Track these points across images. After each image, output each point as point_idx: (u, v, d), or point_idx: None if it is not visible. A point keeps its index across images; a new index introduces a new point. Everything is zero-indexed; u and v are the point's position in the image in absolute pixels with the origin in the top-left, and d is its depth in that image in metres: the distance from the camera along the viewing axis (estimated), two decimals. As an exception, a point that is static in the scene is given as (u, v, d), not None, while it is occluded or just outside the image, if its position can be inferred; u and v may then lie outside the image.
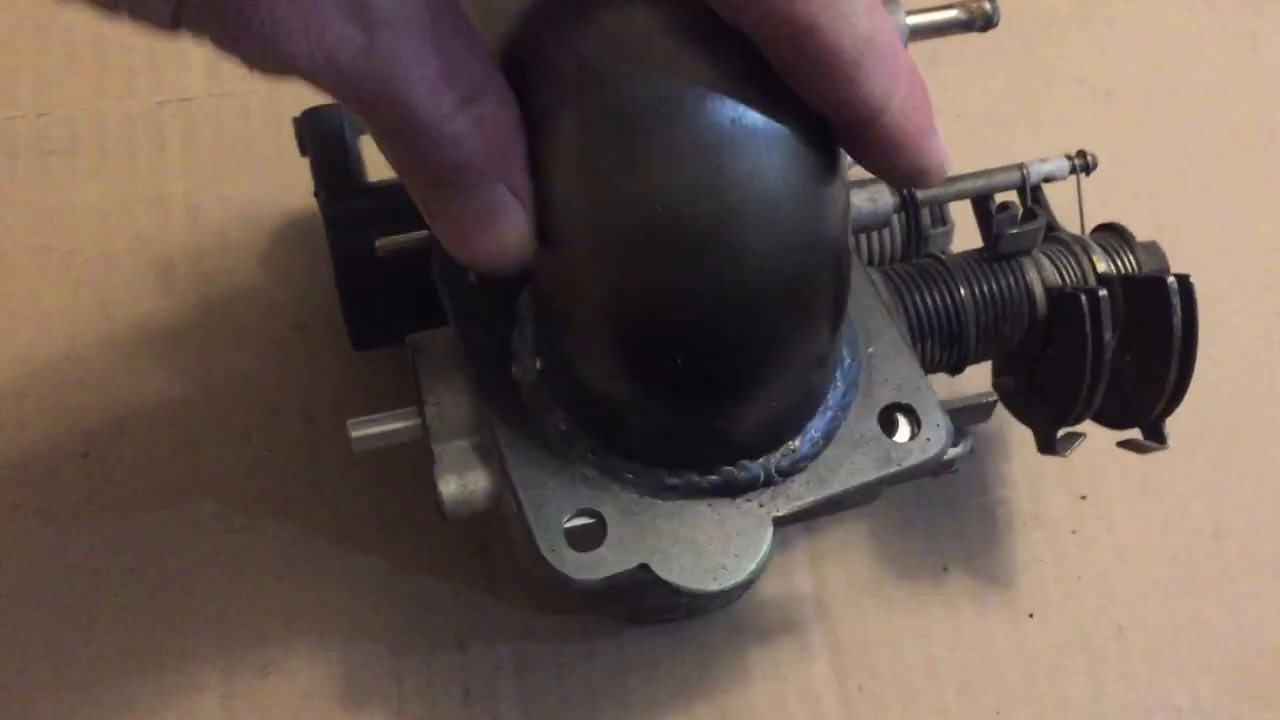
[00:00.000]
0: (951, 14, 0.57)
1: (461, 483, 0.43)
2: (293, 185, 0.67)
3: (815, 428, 0.43)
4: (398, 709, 0.57)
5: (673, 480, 0.42)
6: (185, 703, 0.56)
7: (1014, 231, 0.48)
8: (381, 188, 0.58)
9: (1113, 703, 0.58)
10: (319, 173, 0.58)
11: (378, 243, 0.50)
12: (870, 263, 0.57)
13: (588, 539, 0.41)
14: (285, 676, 0.57)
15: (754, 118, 0.35)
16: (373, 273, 0.52)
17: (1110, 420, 0.51)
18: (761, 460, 0.42)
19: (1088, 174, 0.54)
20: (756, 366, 0.39)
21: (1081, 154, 0.54)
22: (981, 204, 0.55)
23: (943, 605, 0.60)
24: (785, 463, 0.42)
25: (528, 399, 0.44)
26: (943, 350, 0.49)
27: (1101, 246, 0.51)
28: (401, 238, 0.50)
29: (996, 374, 0.54)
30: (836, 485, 0.42)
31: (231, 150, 0.69)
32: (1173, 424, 0.50)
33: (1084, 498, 0.63)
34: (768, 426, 0.41)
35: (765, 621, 0.59)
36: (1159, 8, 0.77)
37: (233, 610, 0.58)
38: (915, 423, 0.43)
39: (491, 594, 0.59)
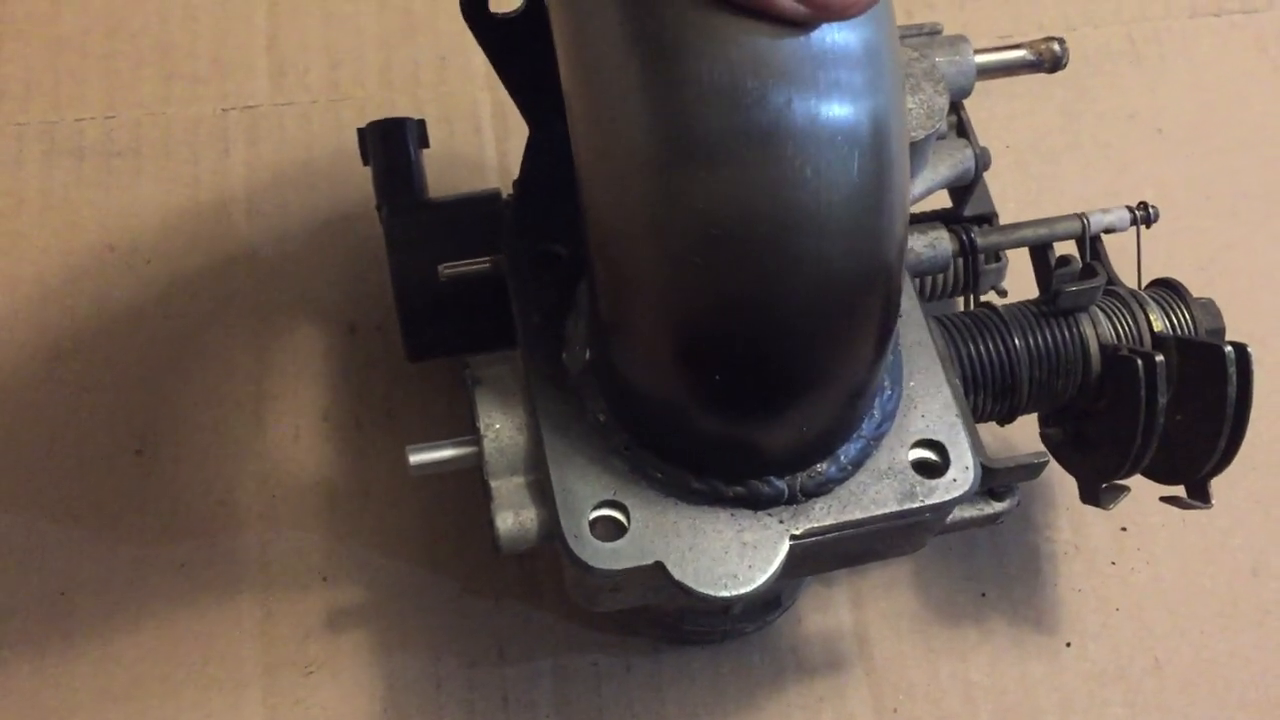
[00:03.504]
0: (1020, 54, 0.57)
1: (518, 520, 0.44)
2: (350, 194, 0.68)
3: (846, 453, 0.43)
4: (436, 714, 0.58)
5: (699, 485, 0.43)
6: (229, 696, 0.58)
7: (1073, 289, 0.49)
8: (443, 204, 0.59)
9: (1147, 736, 0.59)
10: (381, 186, 0.58)
11: (441, 268, 0.51)
12: (924, 301, 0.58)
13: (610, 531, 0.43)
14: (327, 677, 0.59)
15: (827, 122, 0.35)
16: (432, 290, 0.53)
17: (1155, 475, 0.52)
18: (788, 478, 0.43)
19: (1148, 226, 0.54)
20: (798, 384, 0.40)
21: (1143, 205, 0.54)
22: (1040, 253, 0.55)
23: (980, 631, 0.61)
24: (811, 484, 0.43)
25: (574, 386, 0.45)
26: (995, 402, 0.50)
27: (1157, 303, 0.51)
28: (465, 264, 0.51)
29: (1044, 423, 0.55)
30: (858, 512, 0.43)
31: (293, 157, 0.70)
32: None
33: (1125, 529, 0.63)
34: (800, 445, 0.42)
35: (803, 641, 0.60)
36: (1211, 47, 0.77)
37: (278, 609, 0.60)
38: (945, 461, 0.44)
39: (533, 604, 0.60)
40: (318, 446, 0.63)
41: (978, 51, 0.56)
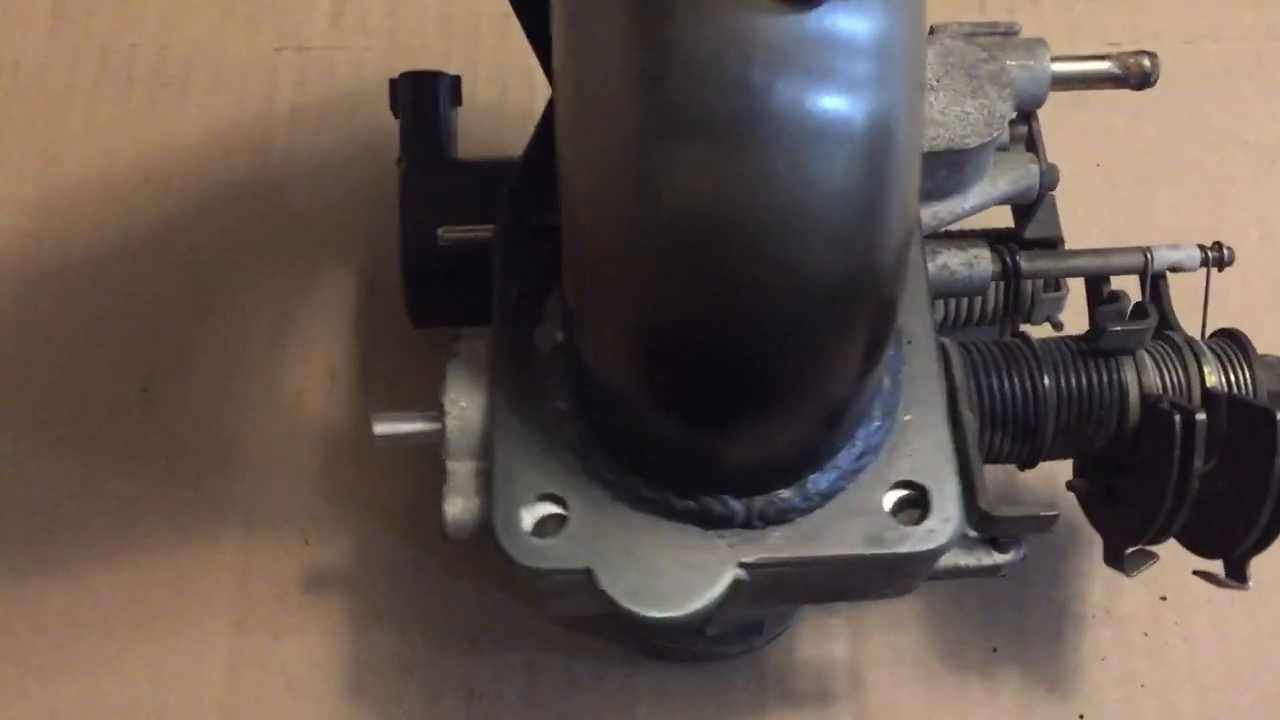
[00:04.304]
0: (1104, 66, 0.52)
1: (467, 506, 0.42)
2: (389, 149, 0.65)
3: (816, 482, 0.39)
4: (399, 696, 0.56)
5: (649, 493, 0.39)
6: (194, 648, 0.57)
7: (1118, 329, 0.44)
8: (466, 165, 0.57)
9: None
10: (404, 139, 0.56)
11: (441, 231, 0.48)
12: (960, 325, 0.53)
13: (545, 528, 0.40)
14: (295, 643, 0.57)
15: (814, 113, 0.31)
16: (436, 253, 0.50)
17: (1192, 545, 0.47)
18: (745, 500, 0.39)
19: (1220, 269, 0.49)
20: (759, 395, 0.36)
21: (1217, 246, 0.49)
22: (1095, 286, 0.50)
23: (985, 688, 0.56)
24: (771, 510, 0.39)
25: (539, 369, 0.42)
26: (1014, 443, 0.45)
27: (1216, 355, 0.46)
28: (467, 230, 0.48)
29: (1075, 473, 0.50)
30: (817, 549, 0.39)
31: (338, 104, 0.68)
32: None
33: (1164, 599, 0.58)
34: (762, 465, 0.39)
35: (793, 671, 0.56)
36: (1350, 75, 0.70)
37: (256, 566, 0.58)
38: (924, 509, 0.40)
39: (514, 597, 0.57)
40: (320, 406, 0.62)
41: (1056, 59, 0.51)
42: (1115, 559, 0.47)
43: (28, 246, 0.65)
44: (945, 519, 0.40)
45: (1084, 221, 0.63)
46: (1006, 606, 0.57)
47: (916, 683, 0.56)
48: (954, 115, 0.48)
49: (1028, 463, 0.46)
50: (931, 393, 0.42)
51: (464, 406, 0.43)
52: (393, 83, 0.58)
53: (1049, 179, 0.52)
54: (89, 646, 0.57)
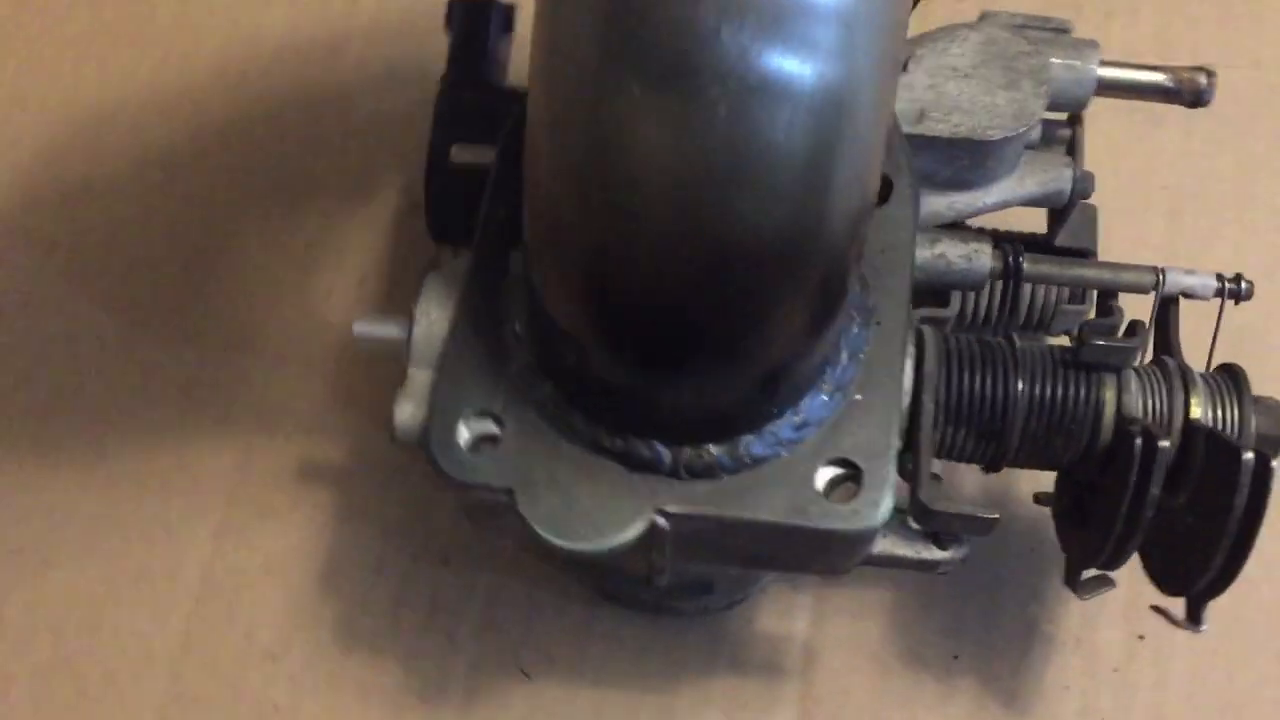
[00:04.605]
0: (1156, 77, 0.50)
1: (415, 414, 0.43)
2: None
3: (749, 444, 0.39)
4: (365, 595, 0.58)
5: (582, 427, 0.40)
6: (188, 516, 0.59)
7: (1100, 342, 0.42)
8: (506, 92, 0.57)
9: None
10: (450, 61, 0.57)
11: (453, 149, 0.49)
12: (963, 325, 0.52)
13: (476, 444, 0.41)
14: (278, 526, 0.59)
15: (760, 68, 0.31)
16: (458, 173, 0.51)
17: (1156, 580, 0.45)
18: (674, 449, 0.39)
19: (1236, 302, 0.47)
20: (687, 345, 0.37)
21: (1237, 278, 0.46)
22: (1105, 300, 0.48)
23: (939, 693, 0.55)
24: (698, 464, 0.39)
25: (505, 292, 0.43)
26: (977, 442, 0.44)
27: (1209, 388, 0.44)
28: (478, 151, 0.49)
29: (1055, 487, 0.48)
30: (736, 511, 0.39)
31: (417, 19, 0.69)
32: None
33: (1142, 638, 0.56)
34: (691, 417, 0.39)
35: (748, 640, 0.56)
36: None
37: (256, 448, 0.60)
38: (855, 489, 0.39)
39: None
40: (344, 308, 0.63)
41: (1105, 63, 0.49)
42: (1071, 580, 0.46)
43: (110, 126, 0.68)
44: (874, 502, 0.39)
45: (1138, 243, 0.61)
46: (977, 615, 0.56)
47: (871, 674, 0.56)
48: (982, 105, 0.47)
49: (992, 466, 0.45)
50: (890, 376, 0.41)
51: (433, 318, 0.44)
52: (450, 4, 0.59)
53: (1082, 186, 0.50)
54: (95, 499, 0.60)
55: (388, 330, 0.46)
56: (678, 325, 0.36)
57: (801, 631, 0.57)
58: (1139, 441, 0.40)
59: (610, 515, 0.39)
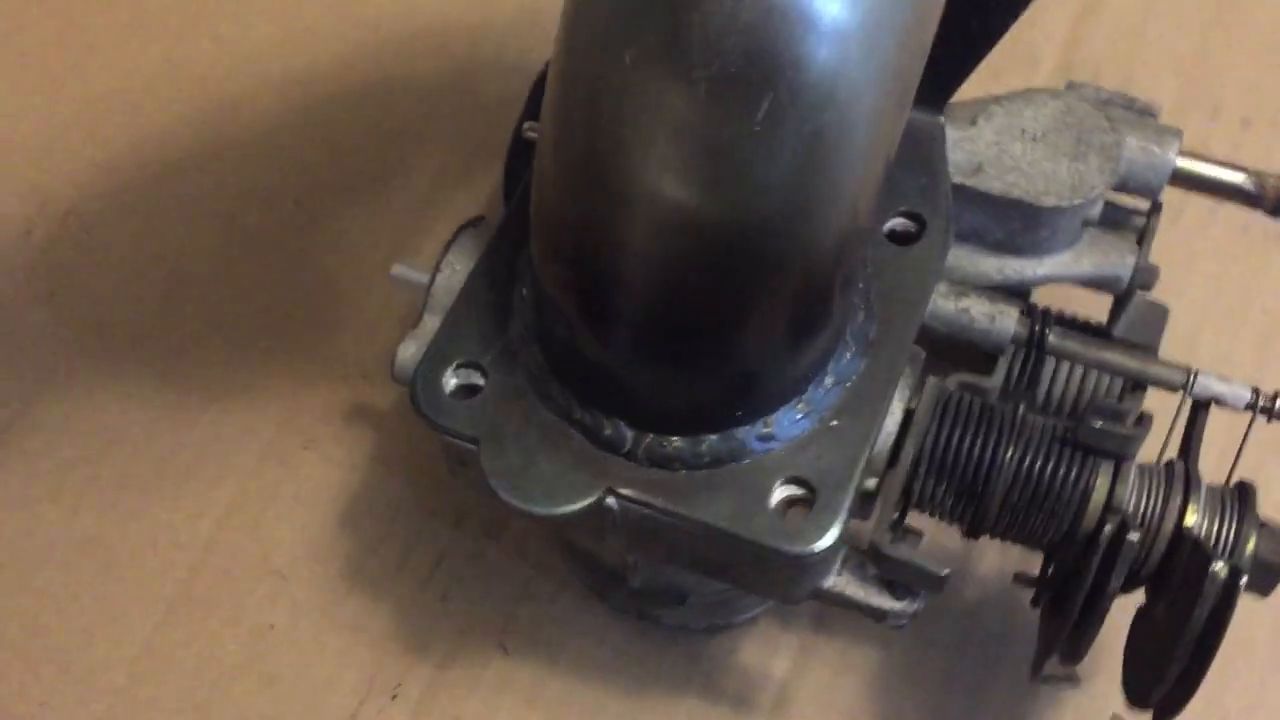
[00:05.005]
0: (1236, 177, 0.48)
1: (418, 355, 0.44)
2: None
3: (712, 444, 0.40)
4: (376, 539, 0.60)
5: (558, 396, 0.41)
6: (238, 431, 0.62)
7: (1099, 424, 0.41)
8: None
9: None
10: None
11: (525, 126, 0.51)
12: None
13: (459, 391, 0.42)
14: (316, 459, 0.62)
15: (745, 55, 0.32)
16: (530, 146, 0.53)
17: (1126, 689, 0.43)
18: (637, 433, 0.40)
19: (1269, 420, 0.44)
20: (655, 326, 0.38)
21: (1275, 396, 0.44)
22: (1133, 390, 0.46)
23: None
24: (658, 452, 0.40)
25: (523, 256, 0.44)
26: (956, 501, 0.43)
27: (1212, 499, 0.41)
28: (544, 128, 0.51)
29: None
30: (685, 506, 0.39)
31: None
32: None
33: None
34: (659, 405, 0.40)
35: (723, 670, 0.56)
36: None
37: (318, 381, 0.63)
38: (807, 512, 0.39)
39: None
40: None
41: (1185, 154, 0.47)
42: (1036, 668, 0.44)
43: (244, 65, 0.73)
44: (821, 528, 0.39)
45: (1222, 361, 0.58)
46: (962, 696, 0.54)
47: (840, 730, 0.54)
48: (1042, 170, 0.46)
49: (971, 531, 0.44)
50: (873, 410, 0.41)
51: (457, 270, 0.46)
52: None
53: (1143, 277, 0.48)
54: (161, 399, 0.64)
55: (417, 277, 0.48)
56: (647, 306, 0.37)
57: (781, 671, 0.56)
58: (1108, 529, 0.38)
59: (564, 484, 0.40)
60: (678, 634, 0.56)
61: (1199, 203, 0.60)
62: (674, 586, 0.50)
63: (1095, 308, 0.52)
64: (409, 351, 0.45)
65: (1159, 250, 0.62)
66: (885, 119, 0.35)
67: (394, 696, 0.57)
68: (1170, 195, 0.52)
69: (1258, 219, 0.62)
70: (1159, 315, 0.51)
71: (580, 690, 0.56)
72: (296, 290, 0.66)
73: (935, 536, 0.55)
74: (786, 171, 0.33)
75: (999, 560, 0.56)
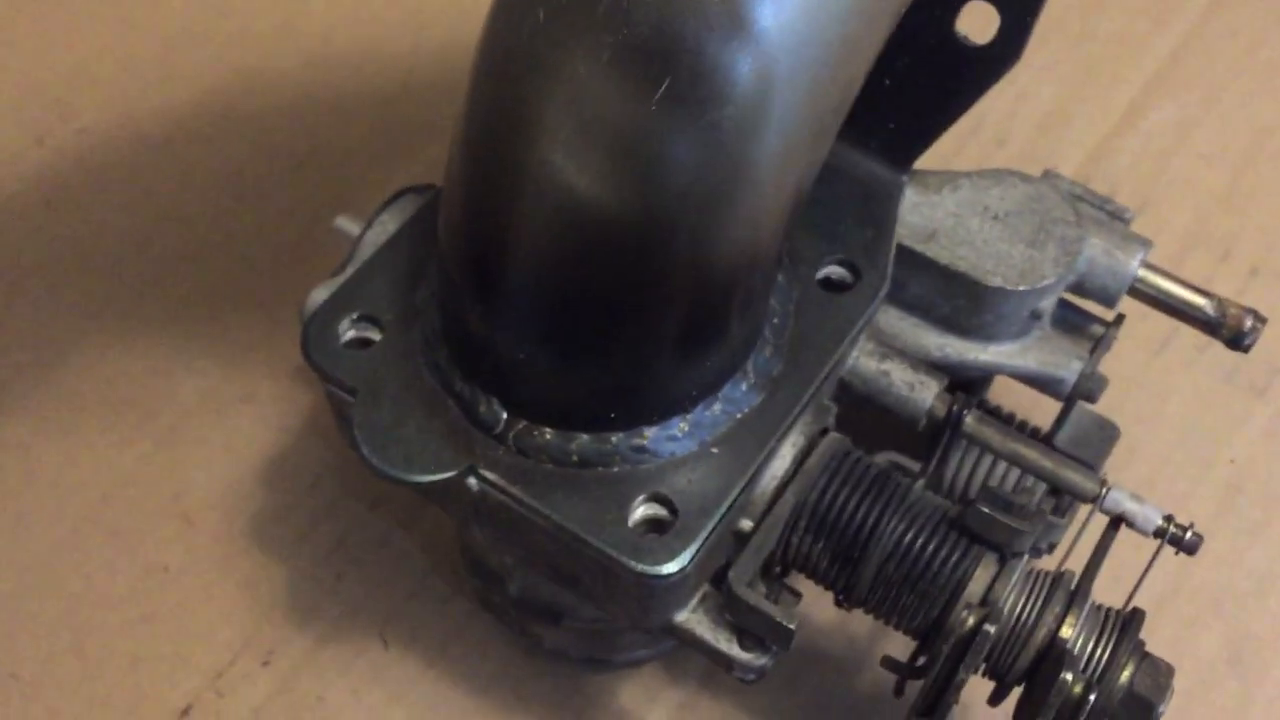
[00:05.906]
0: (1197, 300, 0.46)
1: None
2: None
3: (582, 444, 0.39)
4: (288, 504, 0.59)
5: (444, 363, 0.40)
6: (191, 372, 0.62)
7: (985, 510, 0.39)
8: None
9: None
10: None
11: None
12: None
13: (353, 342, 0.42)
14: (255, 411, 0.62)
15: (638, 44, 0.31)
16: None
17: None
18: (511, 417, 0.39)
19: (1176, 551, 0.41)
20: (528, 305, 0.37)
21: (1184, 527, 0.41)
22: (1051, 493, 0.44)
23: None
24: (528, 440, 0.39)
25: None
26: (830, 563, 0.41)
27: (1094, 618, 0.39)
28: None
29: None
30: (540, 500, 0.38)
31: None
32: None
33: None
34: (532, 393, 0.39)
35: (594, 708, 0.54)
36: None
37: (278, 334, 0.63)
38: (661, 534, 0.38)
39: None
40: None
41: (1149, 266, 0.46)
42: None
43: (284, 38, 0.74)
44: (671, 552, 0.37)
45: (1177, 503, 0.55)
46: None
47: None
48: (994, 250, 0.45)
49: (846, 600, 0.42)
50: (758, 446, 0.39)
51: (387, 228, 0.46)
52: None
53: (1086, 386, 0.46)
54: (126, 320, 0.64)
55: (354, 228, 0.48)
56: (527, 282, 0.36)
57: (655, 721, 0.53)
58: (966, 614, 0.36)
59: (428, 453, 0.39)
60: (559, 662, 0.54)
61: (1186, 337, 0.58)
62: (551, 604, 0.48)
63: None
64: (319, 296, 0.44)
65: (1135, 376, 0.60)
66: (794, 138, 0.34)
67: (265, 663, 0.56)
68: (1158, 324, 0.51)
69: (1243, 366, 0.60)
70: (1109, 434, 0.49)
71: (449, 698, 0.55)
72: (280, 246, 0.67)
73: (846, 622, 0.53)
74: (680, 162, 0.33)
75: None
